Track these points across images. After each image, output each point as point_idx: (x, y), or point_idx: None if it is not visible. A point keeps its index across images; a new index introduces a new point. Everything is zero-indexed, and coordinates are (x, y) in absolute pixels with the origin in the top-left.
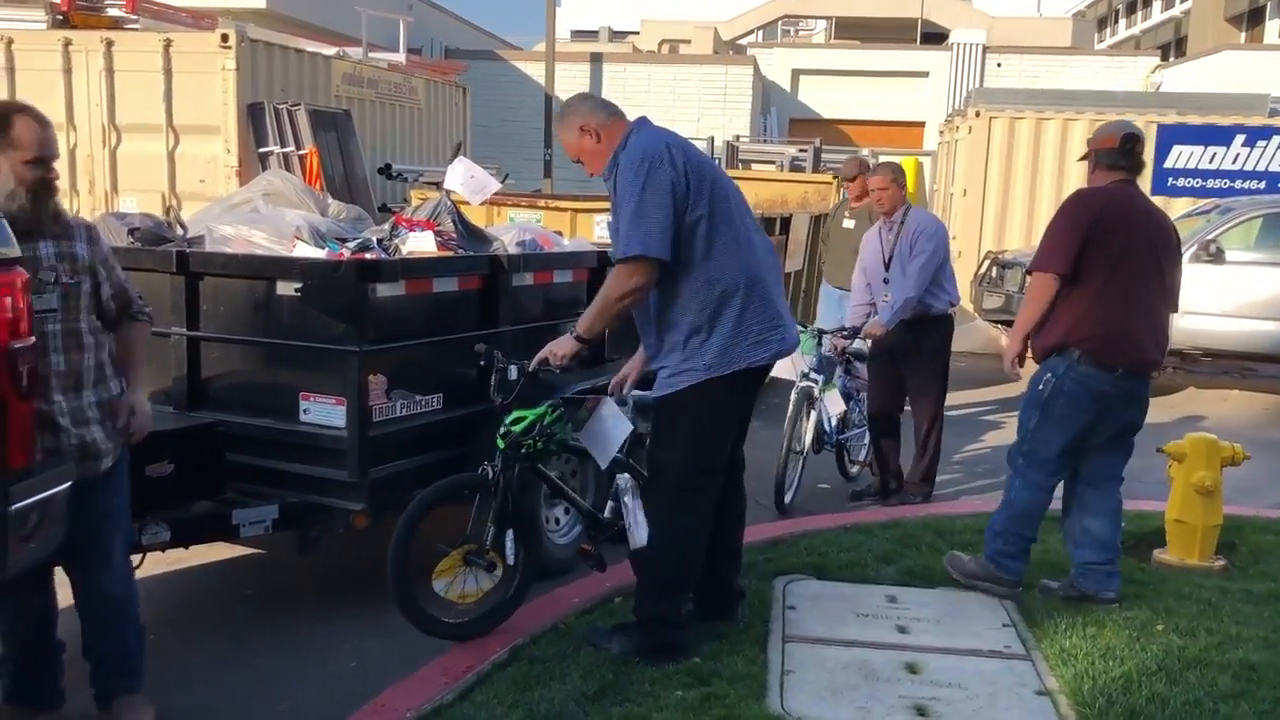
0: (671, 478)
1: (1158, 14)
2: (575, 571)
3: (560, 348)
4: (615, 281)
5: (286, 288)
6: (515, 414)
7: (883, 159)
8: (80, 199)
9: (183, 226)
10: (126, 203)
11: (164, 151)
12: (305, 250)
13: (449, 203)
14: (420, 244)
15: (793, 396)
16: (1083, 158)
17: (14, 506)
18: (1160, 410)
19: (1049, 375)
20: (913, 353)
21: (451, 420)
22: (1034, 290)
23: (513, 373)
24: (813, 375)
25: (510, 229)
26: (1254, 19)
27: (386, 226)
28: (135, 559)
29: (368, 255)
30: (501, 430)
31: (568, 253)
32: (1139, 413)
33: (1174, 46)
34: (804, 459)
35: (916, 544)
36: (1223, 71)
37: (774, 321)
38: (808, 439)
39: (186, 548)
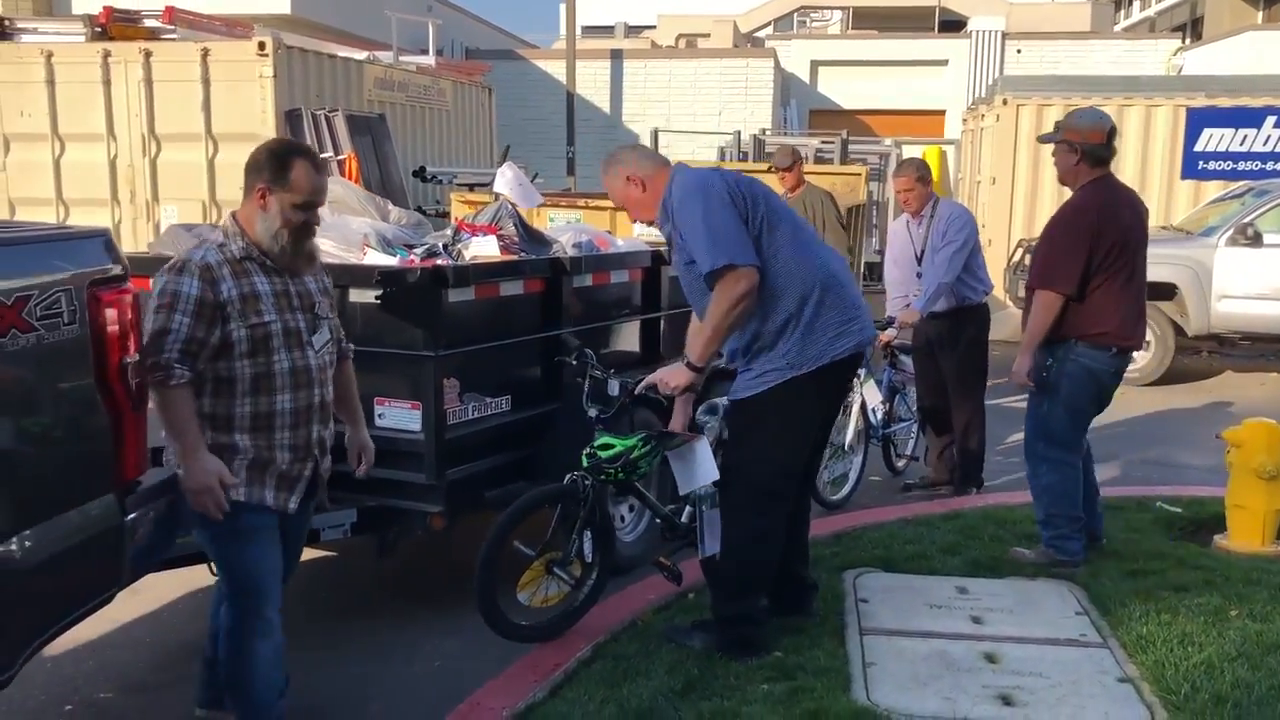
0: (753, 480)
1: None
2: (643, 568)
3: (673, 379)
4: (720, 297)
5: (360, 295)
6: (604, 439)
7: (905, 151)
8: (121, 209)
9: None
10: (168, 211)
11: (204, 160)
12: (376, 258)
13: (509, 207)
14: (484, 248)
15: None
16: (1046, 140)
17: (129, 517)
18: (1198, 394)
19: (1050, 361)
20: (950, 344)
21: (520, 421)
22: (1042, 307)
23: (613, 388)
24: None
25: (566, 230)
26: None
27: (449, 231)
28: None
29: (438, 261)
30: (588, 450)
31: (624, 253)
32: (1115, 389)
33: (1190, 27)
34: (862, 455)
35: (978, 535)
36: (1245, 52)
37: (850, 313)
38: (849, 433)
39: None
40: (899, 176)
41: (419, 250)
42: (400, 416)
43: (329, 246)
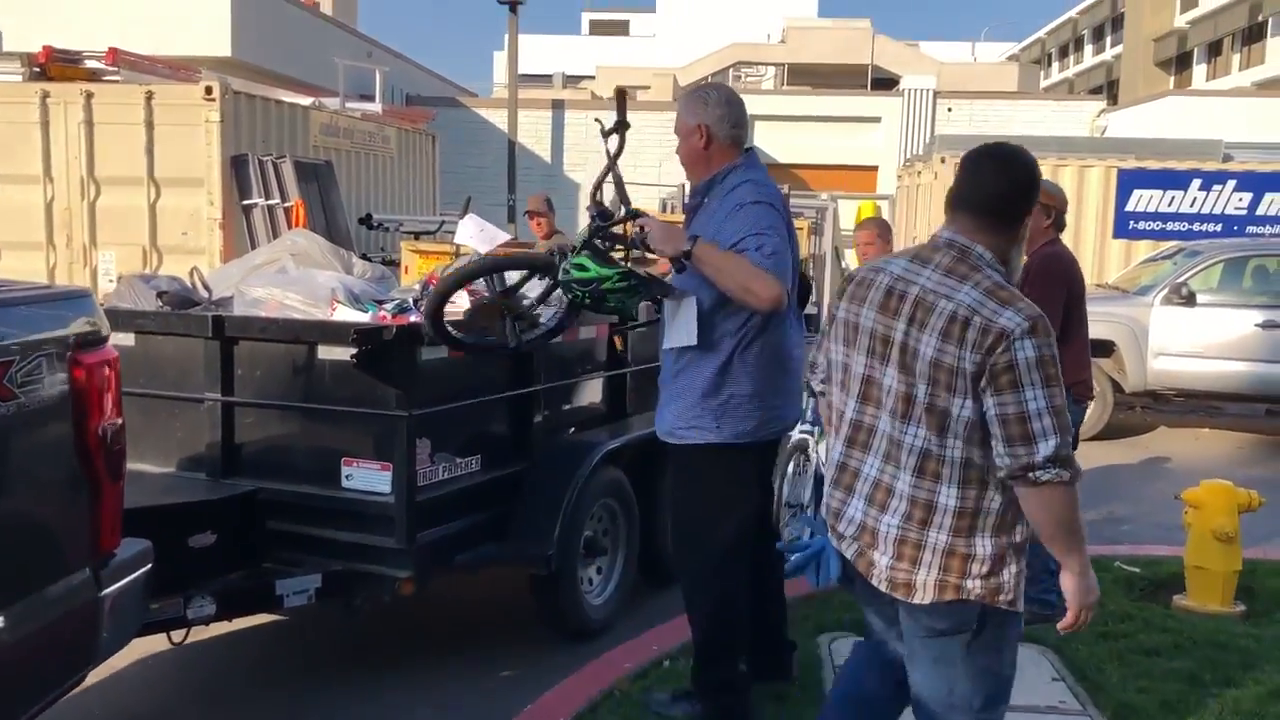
0: (706, 543)
1: (1089, 58)
2: (615, 632)
3: (666, 241)
4: (750, 275)
5: (329, 352)
6: (581, 259)
7: (841, 205)
8: (57, 253)
9: (207, 288)
10: (105, 257)
11: (145, 205)
12: (346, 314)
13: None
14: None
15: (784, 449)
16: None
17: (104, 592)
18: (1137, 450)
19: None
20: None
21: (490, 482)
22: None
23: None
24: (806, 427)
25: (534, 285)
26: (1182, 64)
27: (418, 286)
28: (179, 634)
29: (411, 318)
30: (563, 265)
31: None
32: None
33: (1106, 89)
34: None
35: None
36: (1165, 116)
37: (790, 397)
38: (807, 493)
39: (230, 620)
40: (861, 230)
41: (389, 306)
42: (369, 478)
43: (295, 301)
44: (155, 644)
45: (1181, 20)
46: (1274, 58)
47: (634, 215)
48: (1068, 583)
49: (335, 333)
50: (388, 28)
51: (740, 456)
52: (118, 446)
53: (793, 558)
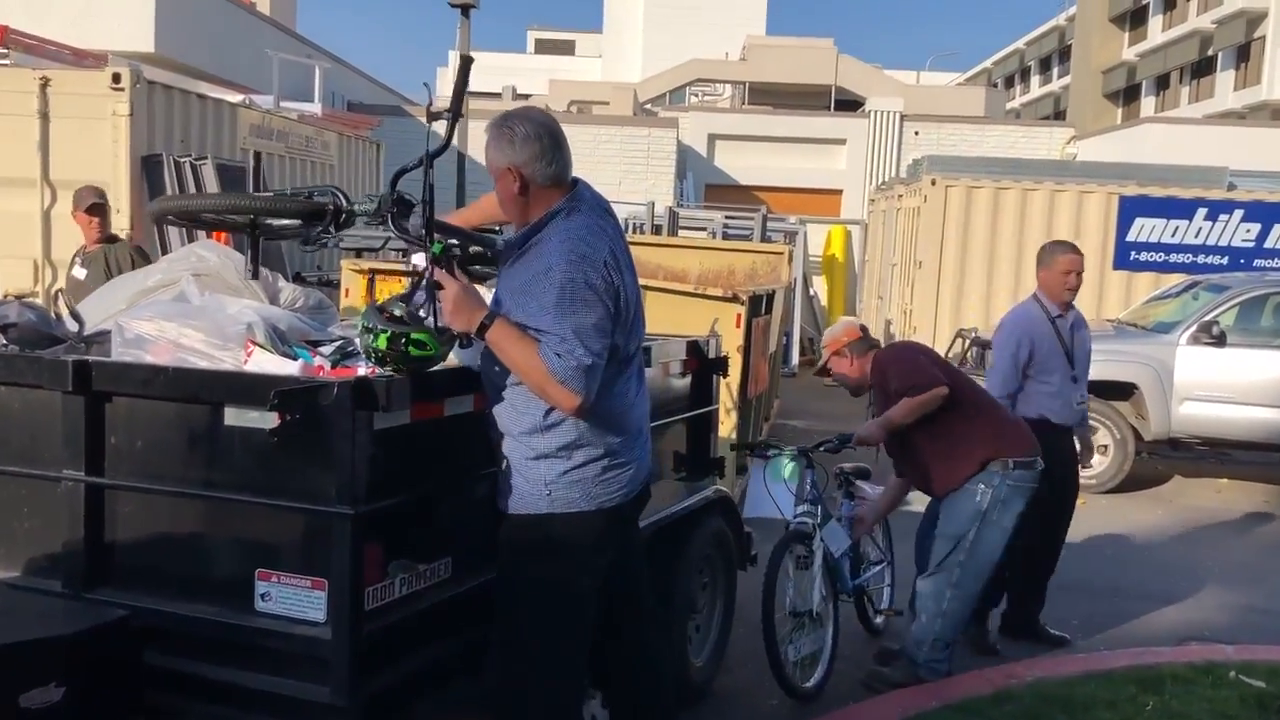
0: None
1: (1037, 89)
2: None
3: (458, 306)
4: (551, 391)
5: (239, 417)
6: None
7: (809, 229)
8: None
9: (76, 318)
10: None
11: (37, 210)
12: (266, 361)
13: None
14: None
15: (781, 539)
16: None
17: None
18: (1162, 505)
19: (983, 488)
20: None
21: (465, 595)
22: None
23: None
24: (805, 508)
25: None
26: (1130, 96)
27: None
28: None
29: (359, 369)
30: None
31: None
32: None
33: (1054, 119)
34: (832, 622)
35: None
36: (1133, 144)
37: (633, 450)
38: (815, 594)
39: None
40: (1071, 255)
41: (328, 350)
42: (294, 599)
43: (196, 340)
44: None
45: (1130, 53)
46: (1223, 91)
47: (436, 258)
48: None
49: (248, 390)
50: (327, 35)
51: (578, 524)
52: None
53: None
